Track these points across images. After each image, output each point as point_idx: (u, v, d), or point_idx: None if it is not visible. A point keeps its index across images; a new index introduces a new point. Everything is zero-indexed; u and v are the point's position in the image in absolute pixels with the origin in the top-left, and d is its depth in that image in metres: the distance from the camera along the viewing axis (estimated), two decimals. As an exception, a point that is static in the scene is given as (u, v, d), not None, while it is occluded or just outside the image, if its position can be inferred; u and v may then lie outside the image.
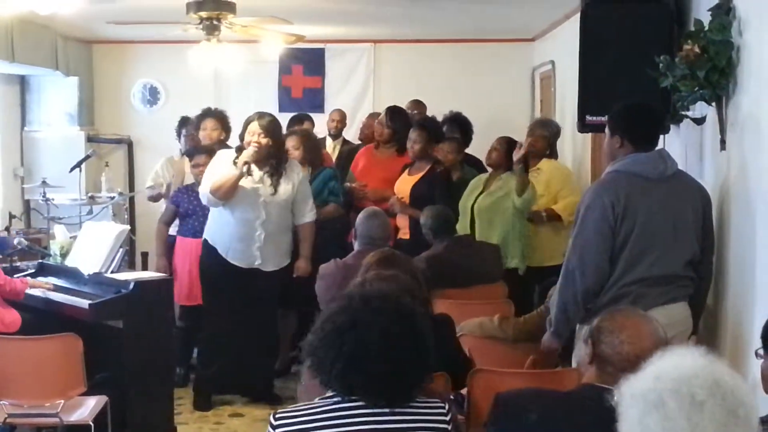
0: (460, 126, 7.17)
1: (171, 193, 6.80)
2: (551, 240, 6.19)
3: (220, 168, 5.94)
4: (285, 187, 6.01)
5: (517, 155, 5.87)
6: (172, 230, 6.69)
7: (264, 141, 5.88)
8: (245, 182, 5.89)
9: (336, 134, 8.53)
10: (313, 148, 6.73)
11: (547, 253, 6.16)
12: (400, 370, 2.43)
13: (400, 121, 7.04)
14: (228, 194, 5.86)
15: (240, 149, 5.96)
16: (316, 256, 6.06)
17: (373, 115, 8.11)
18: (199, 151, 6.64)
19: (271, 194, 5.94)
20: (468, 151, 7.04)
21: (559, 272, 6.03)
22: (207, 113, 7.03)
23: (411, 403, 2.48)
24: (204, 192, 5.96)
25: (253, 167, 5.90)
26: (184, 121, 7.55)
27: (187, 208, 6.53)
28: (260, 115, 6.01)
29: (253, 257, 5.96)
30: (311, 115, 8.52)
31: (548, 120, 7.16)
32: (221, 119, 6.97)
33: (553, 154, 6.67)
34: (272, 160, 5.96)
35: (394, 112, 7.20)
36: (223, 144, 6.99)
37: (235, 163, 5.88)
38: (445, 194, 6.32)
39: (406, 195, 6.51)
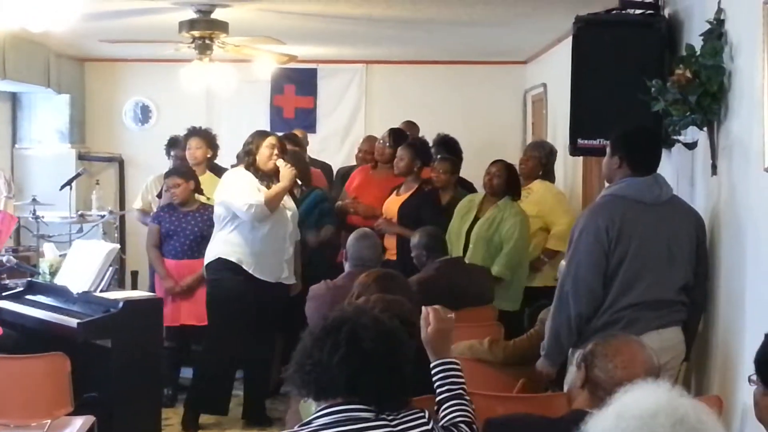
0: (448, 148, 7.09)
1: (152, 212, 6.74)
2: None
3: (248, 184, 5.81)
4: (291, 203, 6.08)
5: None
6: None
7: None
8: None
9: None
10: (304, 168, 6.70)
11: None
12: (397, 370, 2.47)
13: (402, 143, 7.02)
14: (278, 205, 5.86)
15: (252, 166, 5.86)
16: (308, 277, 6.05)
17: (371, 138, 7.93)
18: (171, 173, 6.59)
19: (291, 208, 6.02)
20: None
21: (541, 294, 6.16)
22: (192, 132, 7.01)
23: (393, 415, 2.48)
24: (249, 206, 5.71)
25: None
26: (173, 142, 7.53)
27: (168, 229, 6.41)
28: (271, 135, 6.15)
29: (281, 270, 5.95)
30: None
31: (542, 142, 7.15)
32: (206, 138, 6.96)
33: (547, 176, 6.65)
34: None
35: (397, 133, 7.18)
36: (210, 162, 6.97)
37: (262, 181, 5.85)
38: (435, 214, 6.26)
39: (393, 215, 6.48)
